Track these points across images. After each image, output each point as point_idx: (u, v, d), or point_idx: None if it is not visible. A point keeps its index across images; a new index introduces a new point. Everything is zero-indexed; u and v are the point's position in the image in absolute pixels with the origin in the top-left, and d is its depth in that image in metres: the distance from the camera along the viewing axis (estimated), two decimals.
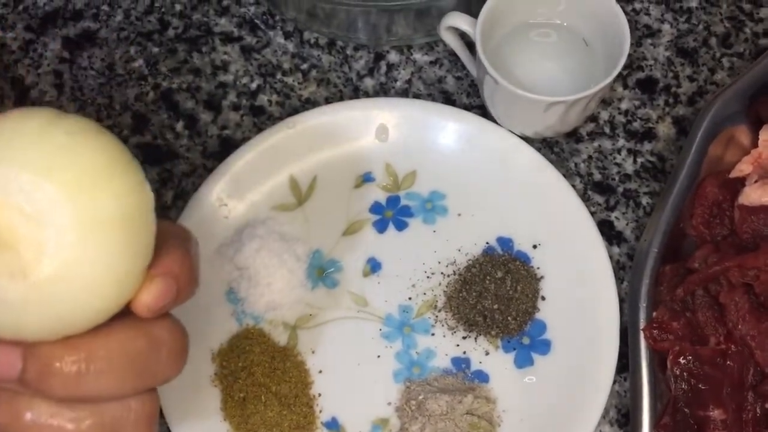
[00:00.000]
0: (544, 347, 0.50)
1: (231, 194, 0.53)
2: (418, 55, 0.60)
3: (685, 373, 0.47)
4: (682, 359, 0.47)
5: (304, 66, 0.60)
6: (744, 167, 0.52)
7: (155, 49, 0.61)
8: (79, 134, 0.30)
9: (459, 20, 0.51)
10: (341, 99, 0.59)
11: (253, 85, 0.60)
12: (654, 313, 0.49)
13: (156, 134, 0.58)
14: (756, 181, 0.51)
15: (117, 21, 0.62)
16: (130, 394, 0.32)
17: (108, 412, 0.32)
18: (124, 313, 0.31)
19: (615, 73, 0.49)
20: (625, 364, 0.49)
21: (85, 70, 0.60)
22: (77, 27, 0.62)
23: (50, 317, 0.29)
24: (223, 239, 0.53)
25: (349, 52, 0.61)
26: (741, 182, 0.51)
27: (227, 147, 0.57)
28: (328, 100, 0.59)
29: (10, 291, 0.29)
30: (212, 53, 0.61)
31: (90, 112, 0.59)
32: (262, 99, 0.59)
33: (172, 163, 0.57)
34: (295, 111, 0.58)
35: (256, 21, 0.62)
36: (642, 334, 0.48)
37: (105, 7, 0.62)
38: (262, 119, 0.59)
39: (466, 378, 0.50)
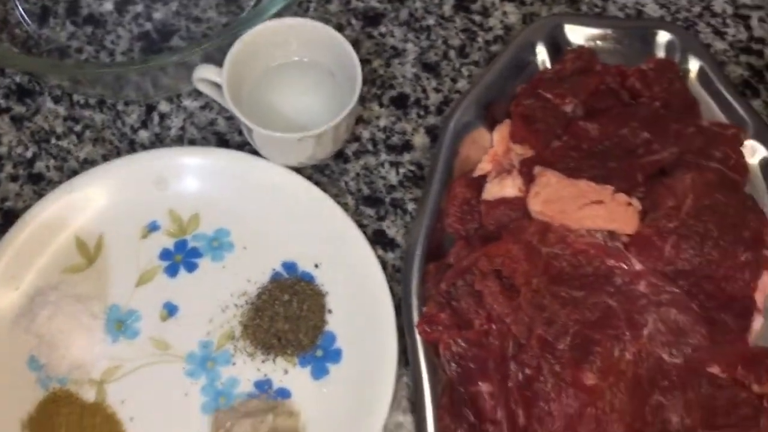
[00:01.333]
0: (336, 356, 0.55)
1: (18, 266, 0.55)
2: (188, 102, 0.64)
3: (456, 357, 0.54)
4: (452, 345, 0.54)
5: (78, 127, 0.62)
6: (484, 166, 0.59)
7: None
8: None
9: (207, 72, 0.55)
10: (118, 155, 0.61)
11: (29, 154, 0.61)
12: (424, 309, 0.55)
13: None
14: (495, 177, 0.58)
15: None
16: None
17: None
18: None
19: (352, 104, 0.54)
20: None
21: None
22: None
23: None
24: (17, 310, 0.54)
25: (120, 107, 0.63)
26: (484, 179, 0.58)
27: (10, 219, 0.58)
28: (105, 158, 0.61)
29: None
30: None
31: None
32: (40, 166, 0.61)
33: None
34: (74, 173, 0.60)
35: (25, 87, 0.63)
36: (416, 330, 0.54)
37: None
38: (41, 185, 0.60)
39: (270, 397, 0.54)
